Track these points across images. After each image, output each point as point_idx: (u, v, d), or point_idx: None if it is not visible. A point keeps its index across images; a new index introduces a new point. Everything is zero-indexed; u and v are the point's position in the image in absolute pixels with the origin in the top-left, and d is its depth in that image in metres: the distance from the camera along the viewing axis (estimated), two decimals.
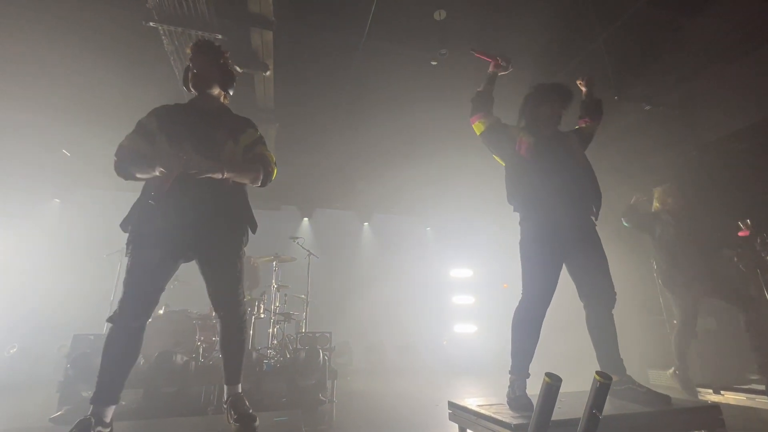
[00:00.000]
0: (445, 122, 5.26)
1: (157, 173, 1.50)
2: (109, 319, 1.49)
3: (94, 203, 5.64)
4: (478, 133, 2.19)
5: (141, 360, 3.63)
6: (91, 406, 1.41)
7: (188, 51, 1.79)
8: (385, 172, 6.48)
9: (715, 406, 1.72)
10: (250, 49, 3.54)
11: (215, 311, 1.64)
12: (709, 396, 2.94)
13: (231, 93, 1.89)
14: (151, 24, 2.97)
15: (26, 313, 5.36)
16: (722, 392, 2.86)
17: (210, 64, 1.76)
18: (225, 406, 1.57)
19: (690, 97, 4.43)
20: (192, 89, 1.79)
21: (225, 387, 1.62)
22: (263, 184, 1.78)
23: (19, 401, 3.68)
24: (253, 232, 1.80)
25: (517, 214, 2.08)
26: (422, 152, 5.97)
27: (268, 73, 3.79)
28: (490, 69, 2.27)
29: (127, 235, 1.58)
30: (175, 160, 1.48)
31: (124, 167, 1.58)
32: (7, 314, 5.23)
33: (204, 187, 1.61)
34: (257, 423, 1.45)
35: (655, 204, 3.47)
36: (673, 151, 4.70)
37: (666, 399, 1.73)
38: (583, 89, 2.32)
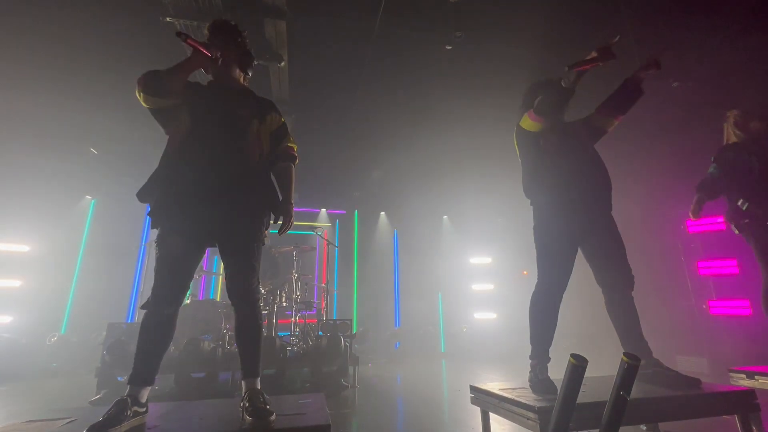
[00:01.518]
0: (463, 109, 5.16)
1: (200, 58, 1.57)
2: (144, 306, 1.53)
3: (124, 199, 5.88)
4: (528, 130, 1.98)
5: (171, 347, 3.80)
6: (128, 387, 1.46)
7: (205, 31, 1.76)
8: (402, 161, 6.44)
9: (750, 391, 1.66)
10: (264, 40, 3.55)
11: (229, 298, 1.63)
12: (743, 381, 2.83)
13: (250, 74, 1.87)
14: (168, 19, 3.01)
15: (63, 304, 5.67)
16: (757, 377, 2.76)
17: (228, 44, 1.73)
18: (241, 404, 1.47)
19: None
20: (210, 71, 1.77)
21: (242, 382, 1.57)
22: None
23: (61, 386, 3.91)
24: (276, 219, 1.79)
25: (530, 202, 2.06)
26: (440, 140, 5.90)
27: (282, 63, 3.80)
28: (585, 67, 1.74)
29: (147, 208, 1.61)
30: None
31: (152, 77, 1.53)
32: (47, 306, 5.53)
33: (228, 171, 1.60)
34: (273, 417, 1.36)
35: (734, 133, 2.67)
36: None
37: (696, 382, 1.68)
38: (642, 74, 1.92)
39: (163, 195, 1.57)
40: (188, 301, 4.08)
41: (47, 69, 4.10)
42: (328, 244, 5.16)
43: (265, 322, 4.41)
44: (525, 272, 7.54)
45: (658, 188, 4.74)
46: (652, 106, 4.45)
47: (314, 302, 4.93)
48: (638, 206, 4.62)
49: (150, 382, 1.51)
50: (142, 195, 1.59)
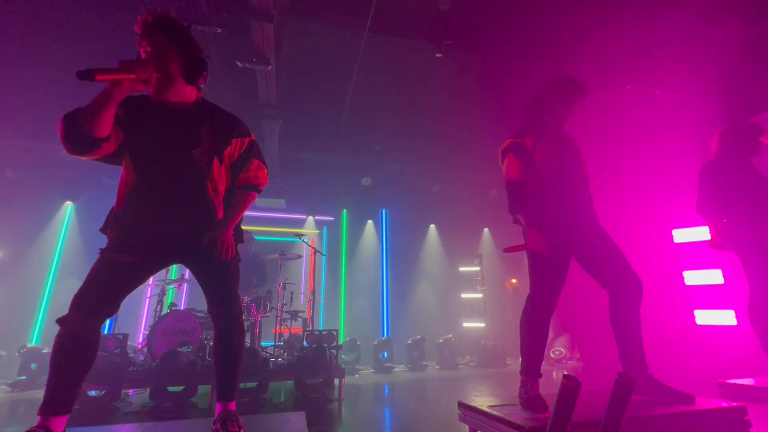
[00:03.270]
0: (451, 116, 5.16)
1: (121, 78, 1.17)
2: (62, 321, 1.27)
3: (104, 202, 5.67)
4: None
5: (140, 358, 3.64)
6: (39, 417, 1.21)
7: (136, 29, 1.34)
8: (391, 168, 6.41)
9: (741, 407, 1.64)
10: (251, 44, 3.48)
11: (209, 311, 1.49)
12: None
13: (202, 86, 1.49)
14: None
15: (34, 313, 5.41)
16: None
17: (166, 49, 1.33)
18: (213, 428, 1.36)
19: None
20: (150, 92, 1.39)
21: (216, 404, 1.42)
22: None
23: (27, 400, 3.70)
24: (239, 241, 1.61)
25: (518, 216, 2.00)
26: (428, 147, 5.89)
27: (270, 67, 3.73)
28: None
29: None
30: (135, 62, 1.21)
31: (69, 128, 1.23)
32: (20, 315, 5.28)
33: (188, 188, 1.44)
34: None
35: (720, 150, 2.67)
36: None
37: (689, 399, 1.65)
38: None
39: (123, 214, 1.41)
40: (168, 311, 3.92)
41: (28, 69, 3.95)
42: (314, 252, 5.06)
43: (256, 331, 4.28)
44: (514, 281, 7.54)
45: (644, 198, 4.79)
46: (638, 116, 4.51)
47: (300, 312, 4.82)
48: (624, 216, 4.66)
49: (68, 410, 1.25)
50: (106, 229, 1.44)
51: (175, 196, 1.41)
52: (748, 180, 2.51)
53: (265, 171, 1.68)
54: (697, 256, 4.28)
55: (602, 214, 2.03)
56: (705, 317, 4.20)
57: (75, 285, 1.33)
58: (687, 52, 3.73)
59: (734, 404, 1.65)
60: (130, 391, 3.61)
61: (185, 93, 1.45)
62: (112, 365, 3.01)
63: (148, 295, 5.21)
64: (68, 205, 6.03)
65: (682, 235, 4.51)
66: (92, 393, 3.01)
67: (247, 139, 1.60)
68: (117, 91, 1.19)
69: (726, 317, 3.99)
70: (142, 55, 1.35)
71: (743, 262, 2.48)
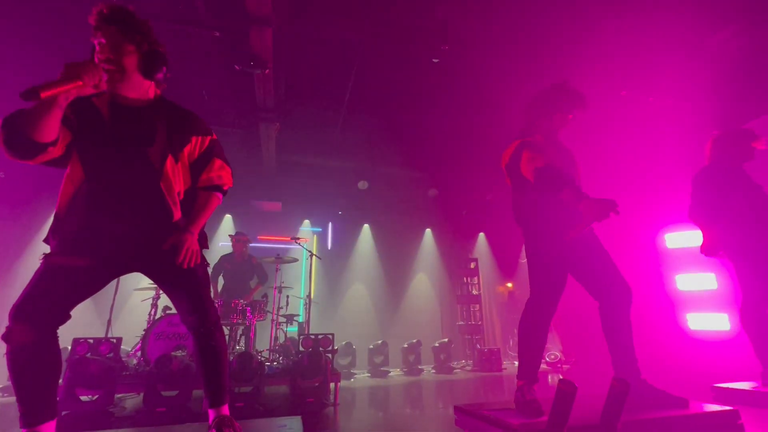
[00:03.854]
0: (448, 121, 5.19)
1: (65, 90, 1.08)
2: (5, 337, 1.16)
3: None
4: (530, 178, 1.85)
5: (134, 362, 3.60)
6: (23, 430, 1.16)
7: (90, 21, 1.28)
8: (387, 172, 6.43)
9: (734, 410, 1.65)
10: (249, 48, 3.49)
11: (183, 321, 1.43)
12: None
13: (160, 81, 1.43)
14: None
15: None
16: None
17: (122, 43, 1.28)
18: None
19: None
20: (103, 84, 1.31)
21: (209, 411, 1.40)
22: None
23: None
24: (203, 246, 1.52)
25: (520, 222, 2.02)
26: (424, 152, 5.92)
27: (267, 71, 3.74)
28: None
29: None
30: (86, 65, 1.12)
31: (10, 132, 1.14)
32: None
33: (141, 188, 1.35)
34: None
35: (713, 155, 2.70)
36: None
37: (683, 402, 1.66)
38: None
39: (70, 218, 1.29)
40: (162, 315, 3.89)
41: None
42: (311, 256, 5.05)
43: (251, 335, 4.25)
44: (509, 285, 7.56)
45: (636, 203, 4.84)
46: (632, 123, 4.57)
47: (296, 315, 4.80)
48: (617, 221, 4.70)
49: (49, 416, 1.19)
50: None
51: (127, 196, 1.32)
52: (741, 186, 2.54)
53: (229, 171, 1.61)
54: (689, 261, 4.32)
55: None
56: (698, 321, 4.23)
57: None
58: (681, 58, 3.79)
59: (727, 408, 1.67)
60: (123, 396, 3.57)
61: (142, 88, 1.39)
62: (105, 369, 2.97)
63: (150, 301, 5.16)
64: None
65: (674, 240, 4.55)
66: (84, 398, 2.98)
67: (208, 137, 1.54)
68: (63, 97, 1.12)
69: (719, 321, 4.02)
70: (96, 48, 1.29)
71: (736, 268, 2.51)
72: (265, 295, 4.62)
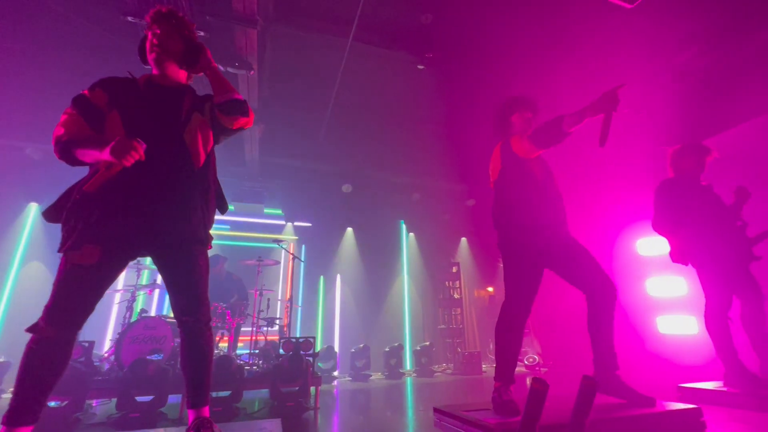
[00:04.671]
0: (432, 126, 5.27)
1: (104, 159, 1.27)
2: (33, 329, 1.25)
3: None
4: (519, 155, 2.00)
5: (106, 367, 3.49)
6: (2, 427, 1.20)
7: (147, 19, 1.54)
8: (370, 176, 6.45)
9: (696, 408, 1.74)
10: (234, 48, 3.47)
11: (175, 317, 1.45)
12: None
13: (196, 72, 1.63)
14: (130, 19, 2.87)
15: (15, 320, 5.07)
16: None
17: (172, 34, 1.53)
18: None
19: None
20: (151, 63, 1.56)
21: (188, 412, 1.42)
22: (243, 113, 1.54)
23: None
24: (222, 212, 1.65)
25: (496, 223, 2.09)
26: (408, 156, 5.98)
27: (252, 72, 3.72)
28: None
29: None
30: (128, 146, 1.24)
31: (66, 151, 1.33)
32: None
33: (166, 174, 1.41)
34: None
35: (673, 169, 2.87)
36: None
37: (650, 401, 1.74)
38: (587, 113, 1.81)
39: (79, 198, 1.35)
40: (138, 317, 3.79)
41: None
42: (293, 258, 5.01)
43: (224, 340, 4.18)
44: (490, 289, 7.69)
45: (610, 208, 5.02)
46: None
47: (277, 319, 4.74)
48: (591, 226, 4.87)
49: (33, 420, 1.22)
50: (54, 214, 1.36)
51: (153, 145, 1.37)
52: (699, 197, 2.69)
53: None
54: (660, 266, 4.50)
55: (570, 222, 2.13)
56: (667, 324, 4.41)
57: (37, 291, 1.28)
58: (650, 75, 3.98)
59: (691, 406, 1.76)
60: (94, 402, 3.45)
61: (178, 75, 1.61)
62: (75, 374, 2.87)
63: (117, 302, 5.01)
64: (32, 206, 5.75)
65: (646, 246, 4.74)
66: (53, 404, 2.86)
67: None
68: (102, 162, 1.31)
69: (688, 324, 4.20)
70: (149, 37, 1.53)
71: (699, 274, 2.64)
72: (246, 298, 4.56)
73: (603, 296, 1.91)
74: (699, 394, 2.51)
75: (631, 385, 1.84)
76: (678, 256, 2.63)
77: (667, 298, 4.45)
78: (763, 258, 2.55)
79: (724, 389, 2.43)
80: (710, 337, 2.58)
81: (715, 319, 2.54)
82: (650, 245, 4.67)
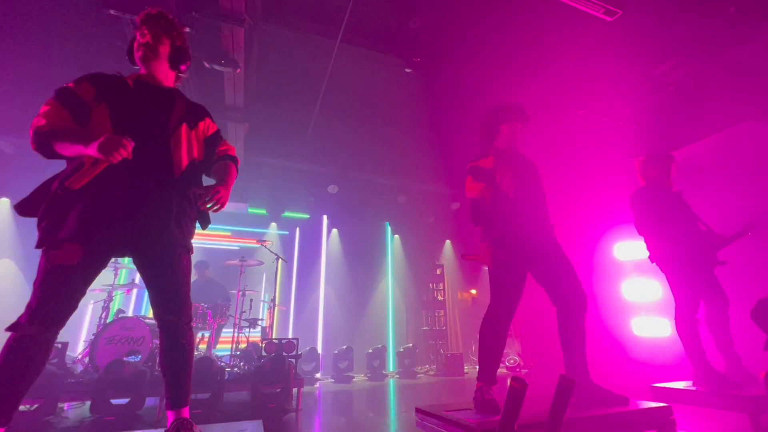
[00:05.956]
0: (418, 129, 5.32)
1: (89, 154, 1.25)
2: (14, 327, 1.23)
3: None
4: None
5: (80, 368, 3.37)
6: None
7: (137, 20, 1.56)
8: (355, 177, 6.45)
9: (666, 407, 1.81)
10: (220, 45, 3.43)
11: (156, 317, 1.44)
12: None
13: (183, 74, 1.68)
14: (112, 12, 2.81)
15: None
16: None
17: (161, 35, 1.55)
18: None
19: None
20: (138, 63, 1.57)
21: (168, 413, 1.40)
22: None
23: None
24: (203, 226, 1.62)
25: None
26: (394, 159, 6.01)
27: (238, 70, 3.68)
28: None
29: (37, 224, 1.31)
30: (116, 143, 1.23)
31: (44, 143, 1.30)
32: None
33: (151, 177, 1.42)
34: None
35: (642, 179, 2.97)
36: None
37: (624, 400, 1.80)
38: None
39: (58, 194, 1.33)
40: (114, 318, 3.68)
41: None
42: (276, 259, 4.97)
43: (204, 341, 4.11)
44: (473, 291, 7.78)
45: (591, 213, 5.17)
46: (588, 143, 4.89)
47: (259, 320, 4.69)
48: (574, 231, 5.00)
49: (5, 422, 1.20)
50: (28, 208, 1.33)
51: (138, 148, 1.35)
52: (669, 202, 2.81)
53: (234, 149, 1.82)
54: (636, 270, 4.66)
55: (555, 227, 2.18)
56: (642, 326, 4.57)
57: (9, 290, 1.24)
58: (628, 86, 4.13)
59: (662, 405, 1.83)
60: (66, 405, 3.34)
61: (166, 76, 1.62)
62: (47, 376, 2.77)
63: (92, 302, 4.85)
64: (3, 202, 5.52)
65: (622, 251, 4.90)
66: (23, 407, 2.76)
67: (215, 124, 1.75)
68: (87, 157, 1.31)
69: (661, 327, 4.36)
70: (138, 37, 1.54)
71: (668, 278, 2.75)
72: (228, 300, 4.50)
73: (571, 310, 1.97)
74: (670, 394, 2.60)
75: (605, 386, 1.90)
76: (656, 258, 2.76)
77: (642, 302, 4.60)
78: (728, 262, 2.67)
79: (693, 388, 2.53)
80: (680, 339, 2.68)
81: (684, 321, 2.64)
82: (627, 249, 4.82)
